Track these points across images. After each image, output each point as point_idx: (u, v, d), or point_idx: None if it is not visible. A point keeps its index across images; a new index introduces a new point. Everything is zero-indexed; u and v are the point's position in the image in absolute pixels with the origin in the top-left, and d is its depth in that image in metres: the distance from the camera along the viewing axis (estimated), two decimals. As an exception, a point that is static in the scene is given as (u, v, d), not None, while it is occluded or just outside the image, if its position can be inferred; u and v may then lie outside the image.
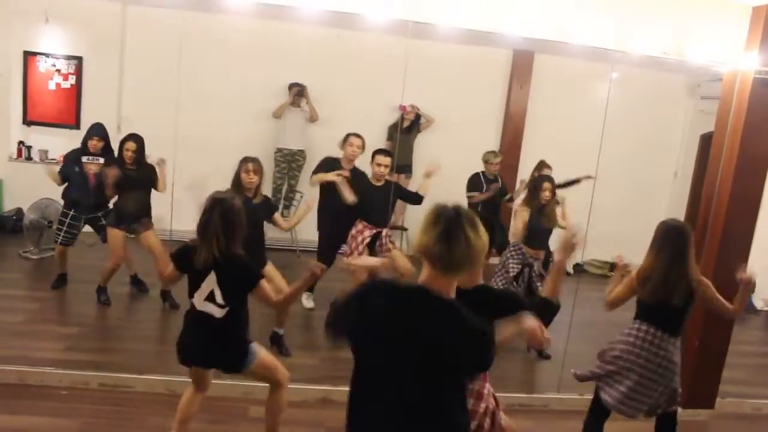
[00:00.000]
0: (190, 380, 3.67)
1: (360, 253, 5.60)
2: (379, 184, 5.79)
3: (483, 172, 6.83)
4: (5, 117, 7.82)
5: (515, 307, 2.53)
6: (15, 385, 4.33)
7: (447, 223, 2.11)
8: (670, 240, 3.71)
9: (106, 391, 4.45)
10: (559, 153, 6.89)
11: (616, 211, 7.64)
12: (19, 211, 7.48)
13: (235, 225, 3.32)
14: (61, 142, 7.93)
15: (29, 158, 7.92)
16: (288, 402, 3.73)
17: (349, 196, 5.56)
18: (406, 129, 8.12)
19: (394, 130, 8.14)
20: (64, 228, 5.98)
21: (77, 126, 7.93)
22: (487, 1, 4.52)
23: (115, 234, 5.73)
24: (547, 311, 2.76)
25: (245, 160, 5.00)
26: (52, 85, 7.89)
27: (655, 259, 3.69)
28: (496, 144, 8.67)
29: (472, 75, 8.31)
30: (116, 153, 5.83)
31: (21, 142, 7.92)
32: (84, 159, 5.87)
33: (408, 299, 2.17)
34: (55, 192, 7.12)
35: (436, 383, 2.14)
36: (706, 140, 8.10)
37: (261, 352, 3.56)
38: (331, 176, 5.72)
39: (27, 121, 7.93)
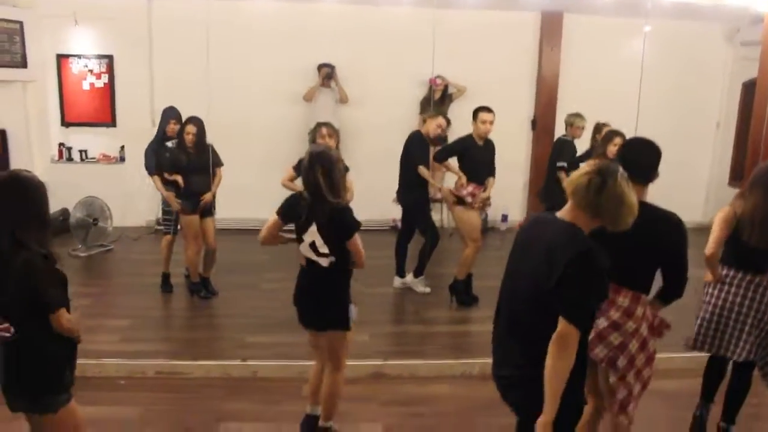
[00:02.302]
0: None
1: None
2: (480, 143, 5.82)
3: (568, 137, 6.65)
4: (44, 120, 7.97)
5: None
6: (75, 377, 4.43)
7: (603, 168, 2.40)
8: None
9: (163, 378, 4.53)
10: (596, 113, 6.71)
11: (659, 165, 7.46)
12: (64, 212, 7.63)
13: (335, 176, 3.40)
14: (99, 141, 8.12)
15: (70, 159, 8.10)
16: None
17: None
18: (438, 101, 8.05)
19: (426, 104, 8.07)
20: (172, 218, 5.99)
21: (113, 123, 8.08)
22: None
23: (189, 219, 5.73)
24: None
25: (318, 125, 5.31)
26: (86, 86, 8.02)
27: (752, 202, 3.52)
28: (530, 107, 8.55)
29: (501, 41, 8.20)
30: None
31: (61, 144, 8.09)
32: (168, 144, 5.92)
33: (539, 221, 2.60)
34: (97, 190, 7.29)
35: (538, 300, 2.40)
36: (749, 87, 7.87)
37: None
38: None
39: (65, 123, 8.08)
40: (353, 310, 3.56)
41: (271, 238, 3.59)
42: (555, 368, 2.30)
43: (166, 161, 5.76)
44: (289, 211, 3.52)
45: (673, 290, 2.96)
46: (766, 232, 3.47)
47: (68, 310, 2.75)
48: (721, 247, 3.65)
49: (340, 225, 3.41)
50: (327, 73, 7.95)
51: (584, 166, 2.49)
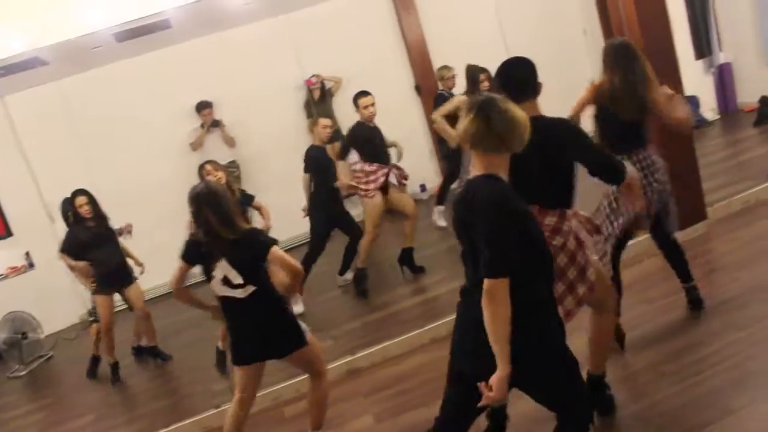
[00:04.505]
0: (236, 392, 3.51)
1: (381, 187, 5.75)
2: (372, 125, 5.82)
3: (443, 91, 6.85)
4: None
5: None
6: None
7: (477, 104, 2.31)
8: (618, 58, 3.64)
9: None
10: (470, 58, 6.81)
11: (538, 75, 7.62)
12: (-12, 338, 7.22)
13: (224, 208, 3.27)
14: (0, 256, 7.67)
15: (-25, 284, 7.62)
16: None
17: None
18: (320, 100, 8.04)
19: (309, 106, 8.06)
20: None
21: (8, 233, 7.63)
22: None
23: (101, 300, 5.53)
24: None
25: (202, 165, 5.19)
26: (-36, 207, 7.55)
27: (607, 78, 3.65)
28: (410, 77, 8.61)
29: (359, 22, 8.25)
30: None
31: (-40, 272, 7.61)
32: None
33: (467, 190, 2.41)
34: (17, 305, 6.90)
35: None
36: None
37: (311, 337, 3.50)
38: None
39: (-43, 250, 7.59)
40: (303, 325, 3.47)
41: (182, 290, 3.42)
42: (492, 317, 2.22)
43: (69, 245, 5.49)
44: (192, 250, 3.38)
45: (609, 174, 3.03)
46: (626, 103, 3.59)
47: None
48: (583, 109, 3.77)
49: (253, 247, 3.29)
50: (210, 122, 7.78)
51: (461, 118, 2.38)
